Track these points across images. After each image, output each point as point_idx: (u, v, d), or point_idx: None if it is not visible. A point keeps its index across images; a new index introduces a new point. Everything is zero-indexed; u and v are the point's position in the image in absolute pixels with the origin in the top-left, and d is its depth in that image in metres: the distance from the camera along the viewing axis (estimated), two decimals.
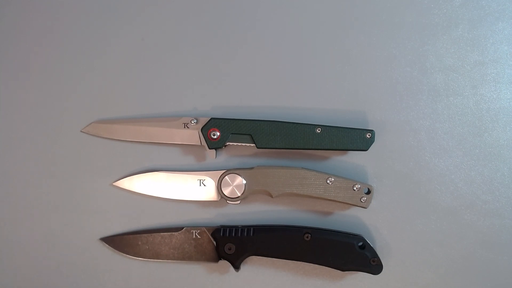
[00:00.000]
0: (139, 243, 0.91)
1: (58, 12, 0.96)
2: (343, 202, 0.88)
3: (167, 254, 0.91)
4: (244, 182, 0.88)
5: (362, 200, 0.87)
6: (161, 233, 0.91)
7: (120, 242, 0.92)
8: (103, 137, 0.94)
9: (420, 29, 0.93)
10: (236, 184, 0.88)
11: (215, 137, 0.89)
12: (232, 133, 0.89)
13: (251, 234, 0.88)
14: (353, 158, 0.91)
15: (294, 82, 0.93)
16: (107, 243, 0.92)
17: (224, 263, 0.90)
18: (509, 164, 0.91)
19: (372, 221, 0.91)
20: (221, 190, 0.88)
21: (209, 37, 0.95)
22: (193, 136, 0.90)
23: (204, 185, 0.90)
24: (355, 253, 0.86)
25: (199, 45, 0.95)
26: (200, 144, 0.90)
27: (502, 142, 0.91)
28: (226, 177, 0.88)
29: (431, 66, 0.92)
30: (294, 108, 0.92)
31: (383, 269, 0.86)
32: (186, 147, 0.93)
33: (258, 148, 0.88)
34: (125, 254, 0.92)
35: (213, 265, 0.91)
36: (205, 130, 0.89)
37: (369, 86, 0.92)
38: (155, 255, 0.91)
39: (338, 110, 0.92)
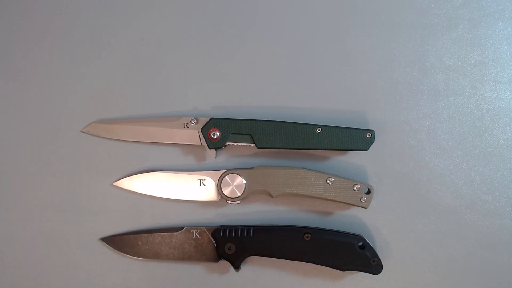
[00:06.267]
0: (139, 243, 0.91)
1: (58, 12, 0.96)
2: (343, 202, 0.88)
3: (167, 254, 0.91)
4: (244, 182, 0.88)
5: (362, 200, 0.87)
6: (161, 233, 0.91)
7: (120, 242, 0.92)
8: (103, 137, 0.94)
9: (420, 29, 0.93)
10: (236, 184, 0.88)
11: (215, 137, 0.89)
12: (232, 133, 0.89)
13: (251, 234, 0.88)
14: (353, 158, 0.91)
15: (294, 82, 0.93)
16: (107, 243, 0.92)
17: (224, 263, 0.90)
18: (509, 164, 0.91)
19: (372, 221, 0.91)
20: (221, 190, 0.88)
21: (209, 37, 0.95)
22: (193, 136, 0.90)
23: (204, 185, 0.90)
24: (355, 253, 0.86)
25: (199, 45, 0.95)
26: (200, 144, 0.90)
27: (502, 142, 0.91)
28: (226, 177, 0.88)
29: (431, 66, 0.92)
30: (294, 108, 0.92)
31: (383, 269, 0.86)
32: (186, 147, 0.93)
33: (258, 148, 0.88)
34: (125, 254, 0.92)
35: (213, 265, 0.92)
36: (205, 130, 0.89)
37: (369, 86, 0.92)
38: (155, 255, 0.91)
39: (338, 110, 0.92)
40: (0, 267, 0.94)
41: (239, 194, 0.88)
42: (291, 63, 0.93)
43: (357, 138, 0.87)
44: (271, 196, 0.88)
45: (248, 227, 0.89)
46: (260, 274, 0.92)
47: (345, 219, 0.91)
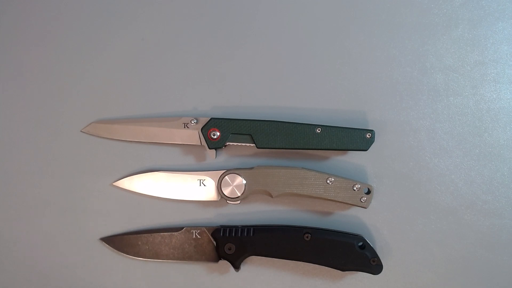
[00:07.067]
0: (139, 243, 0.91)
1: (58, 12, 0.97)
2: (343, 202, 0.88)
3: (167, 254, 0.91)
4: (244, 182, 0.88)
5: (362, 200, 0.87)
6: (161, 233, 0.91)
7: (120, 242, 0.92)
8: (103, 137, 0.94)
9: (420, 29, 0.93)
10: (236, 184, 0.88)
11: (215, 137, 0.89)
12: (232, 133, 0.89)
13: (251, 234, 0.88)
14: (353, 158, 0.91)
15: (294, 82, 0.93)
16: (107, 243, 0.92)
17: (224, 263, 0.90)
18: (509, 164, 0.91)
19: (372, 221, 0.91)
20: (221, 190, 0.88)
21: (209, 37, 0.95)
22: (193, 136, 0.90)
23: (204, 185, 0.90)
24: (355, 253, 0.86)
25: (199, 45, 0.95)
26: (200, 144, 0.90)
27: (502, 142, 0.91)
28: (226, 177, 0.88)
29: (431, 66, 0.92)
30: (294, 108, 0.92)
31: (383, 269, 0.86)
32: (186, 147, 0.93)
33: (258, 148, 0.88)
34: (125, 254, 0.92)
35: (213, 265, 0.92)
36: (205, 130, 0.89)
37: (369, 86, 0.92)
38: (155, 255, 0.91)
39: (338, 110, 0.92)
40: (0, 267, 0.94)
41: (239, 194, 0.88)
42: (291, 63, 0.93)
43: (357, 138, 0.87)
44: (271, 196, 0.88)
45: (248, 227, 0.89)
46: (260, 274, 0.92)
47: (345, 219, 0.91)
